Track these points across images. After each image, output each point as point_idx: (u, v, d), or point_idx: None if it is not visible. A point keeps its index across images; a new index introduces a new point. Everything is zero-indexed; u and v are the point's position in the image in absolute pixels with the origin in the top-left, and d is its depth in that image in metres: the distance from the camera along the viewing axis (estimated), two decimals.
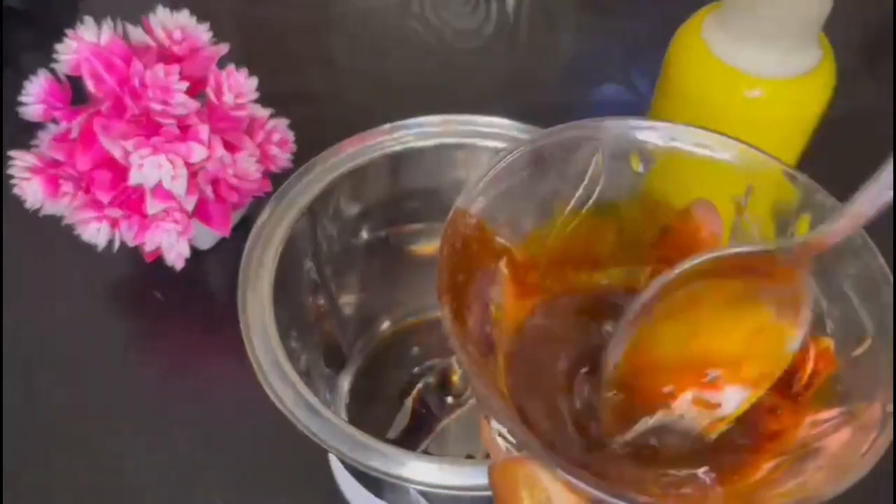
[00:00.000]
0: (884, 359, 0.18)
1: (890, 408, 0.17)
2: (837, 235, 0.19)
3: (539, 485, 0.17)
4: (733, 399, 0.20)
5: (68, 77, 0.46)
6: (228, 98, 0.47)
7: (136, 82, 0.45)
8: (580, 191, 0.22)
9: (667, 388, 0.21)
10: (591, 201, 0.22)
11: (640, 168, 0.22)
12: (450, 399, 0.43)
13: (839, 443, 0.17)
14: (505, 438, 0.19)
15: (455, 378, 0.43)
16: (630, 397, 0.21)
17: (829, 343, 0.19)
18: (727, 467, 0.19)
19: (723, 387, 0.20)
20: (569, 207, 0.22)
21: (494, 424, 0.19)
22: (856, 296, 0.19)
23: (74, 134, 0.46)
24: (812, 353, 0.20)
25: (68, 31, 0.45)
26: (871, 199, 0.18)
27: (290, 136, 0.51)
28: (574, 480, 0.16)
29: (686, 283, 0.20)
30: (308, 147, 0.45)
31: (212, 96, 0.47)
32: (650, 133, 0.21)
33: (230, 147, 0.47)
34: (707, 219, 0.22)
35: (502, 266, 0.21)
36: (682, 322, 0.20)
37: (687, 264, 0.20)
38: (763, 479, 0.18)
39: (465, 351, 0.18)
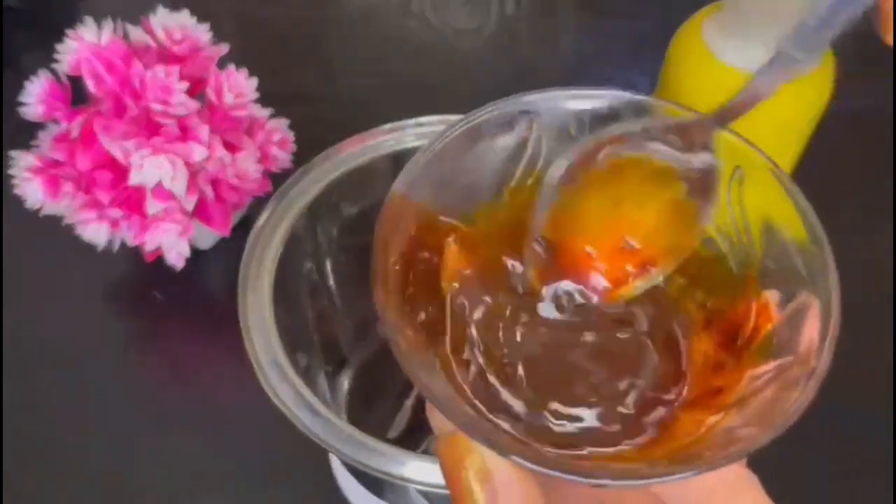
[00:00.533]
0: (813, 313, 0.18)
1: (814, 362, 0.17)
2: (744, 105, 0.20)
3: (480, 456, 0.18)
4: (644, 277, 0.21)
5: (69, 77, 0.46)
6: (228, 98, 0.47)
7: (136, 82, 0.45)
8: (523, 163, 0.22)
9: (588, 249, 0.22)
10: (534, 173, 0.22)
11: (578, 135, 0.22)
12: None
13: (768, 398, 0.18)
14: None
15: None
16: (554, 256, 0.22)
17: (768, 297, 0.20)
18: (667, 431, 0.20)
19: (637, 259, 0.21)
20: (514, 181, 0.22)
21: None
22: (794, 250, 0.20)
23: (75, 134, 0.46)
24: (754, 308, 0.20)
25: (68, 32, 0.45)
26: (772, 68, 0.20)
27: (290, 136, 0.51)
28: (515, 459, 0.17)
29: (607, 152, 0.21)
30: (308, 147, 0.45)
31: (212, 96, 0.47)
32: (584, 102, 0.21)
33: (230, 147, 0.47)
34: None
35: (451, 242, 0.22)
36: (604, 191, 0.21)
37: (604, 134, 0.20)
38: (699, 437, 0.19)
39: (402, 336, 0.18)
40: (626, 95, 0.21)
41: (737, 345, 0.20)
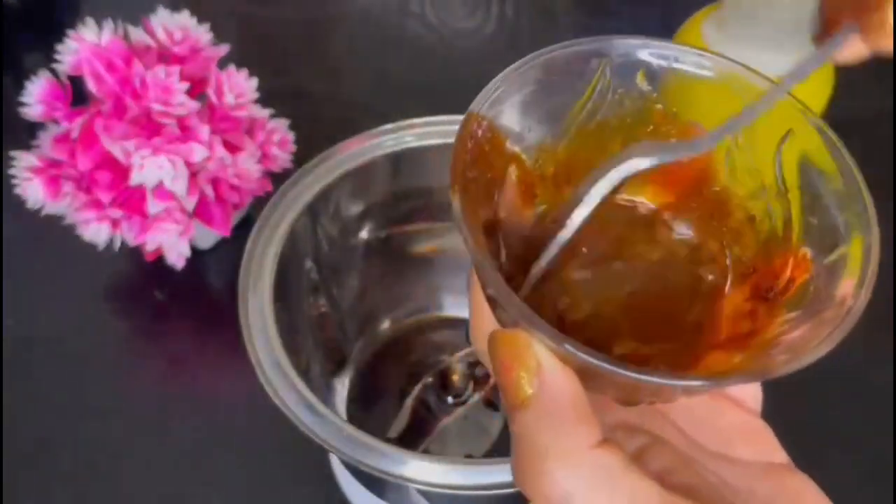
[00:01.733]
0: (849, 261, 0.20)
1: (850, 303, 0.19)
2: (758, 112, 0.21)
3: (534, 352, 0.18)
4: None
5: (69, 77, 0.46)
6: (229, 98, 0.47)
7: (136, 83, 0.45)
8: (589, 104, 0.23)
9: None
10: (599, 115, 0.23)
11: (645, 86, 0.23)
12: (450, 399, 0.43)
13: (799, 336, 0.19)
14: (501, 312, 0.20)
15: (455, 378, 0.43)
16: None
17: (806, 251, 0.21)
18: (698, 364, 0.21)
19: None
20: (578, 120, 0.23)
21: (492, 295, 0.20)
22: (834, 206, 0.21)
23: (75, 134, 0.46)
24: (791, 262, 0.21)
25: (69, 32, 0.45)
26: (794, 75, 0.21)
27: (291, 136, 0.51)
28: (567, 347, 0.17)
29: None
30: (308, 147, 0.45)
31: (212, 97, 0.47)
32: (655, 51, 0.22)
33: (231, 147, 0.47)
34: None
35: (511, 172, 0.22)
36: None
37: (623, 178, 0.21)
38: (731, 367, 0.20)
39: (473, 235, 0.19)
40: (692, 51, 0.22)
41: (771, 294, 0.21)
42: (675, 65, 0.22)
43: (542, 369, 0.18)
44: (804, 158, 0.21)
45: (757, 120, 0.21)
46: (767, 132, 0.22)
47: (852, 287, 0.19)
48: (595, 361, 0.17)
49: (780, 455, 0.22)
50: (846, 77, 0.40)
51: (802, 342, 0.19)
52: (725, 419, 0.23)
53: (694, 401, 0.23)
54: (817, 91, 0.42)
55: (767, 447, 0.22)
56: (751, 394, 0.24)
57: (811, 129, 0.21)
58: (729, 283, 0.23)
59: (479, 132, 0.21)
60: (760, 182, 0.22)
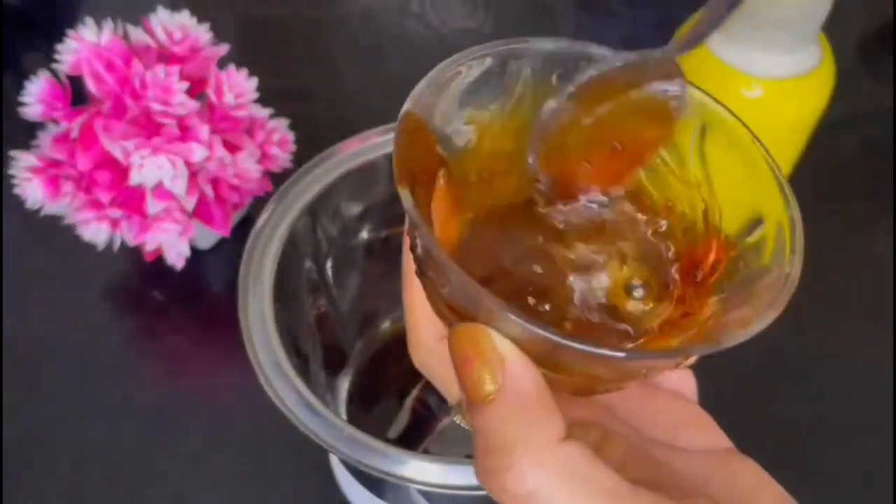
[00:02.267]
0: (779, 235, 0.20)
1: (788, 269, 0.19)
2: (701, 35, 0.22)
3: (492, 343, 0.18)
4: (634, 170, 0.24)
5: (69, 77, 0.46)
6: (229, 98, 0.47)
7: (136, 82, 0.45)
8: (509, 106, 0.24)
9: (586, 166, 0.24)
10: (518, 117, 0.24)
11: (563, 86, 0.23)
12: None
13: (743, 312, 0.20)
14: (452, 310, 0.20)
15: None
16: (555, 181, 0.24)
17: (727, 234, 0.22)
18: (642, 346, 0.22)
19: (626, 158, 0.24)
20: (500, 122, 0.24)
21: (445, 296, 0.20)
22: (753, 189, 0.22)
23: (75, 134, 0.46)
24: (714, 245, 0.22)
25: (69, 32, 0.45)
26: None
27: (290, 136, 0.51)
28: (530, 327, 0.17)
29: (583, 97, 0.23)
30: (308, 147, 0.45)
31: (212, 96, 0.47)
32: (567, 51, 0.23)
33: (230, 147, 0.47)
34: None
35: (440, 176, 0.23)
36: (586, 113, 0.23)
37: (573, 87, 0.23)
38: (675, 346, 0.21)
39: (428, 228, 0.19)
40: (606, 50, 0.23)
41: (697, 278, 0.22)
42: (586, 64, 0.23)
43: (506, 363, 0.18)
44: (715, 148, 0.23)
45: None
46: (682, 127, 0.23)
47: (785, 255, 0.20)
48: (568, 342, 0.17)
49: (724, 440, 0.23)
50: (846, 77, 0.40)
51: (745, 316, 0.19)
52: (668, 411, 0.23)
53: (638, 394, 0.23)
54: (817, 91, 0.42)
55: (712, 434, 0.23)
56: (688, 384, 0.24)
57: (721, 118, 0.22)
58: (658, 271, 0.23)
59: (415, 131, 0.21)
60: (679, 175, 0.23)
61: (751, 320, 0.19)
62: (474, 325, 0.18)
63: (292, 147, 0.51)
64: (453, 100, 0.23)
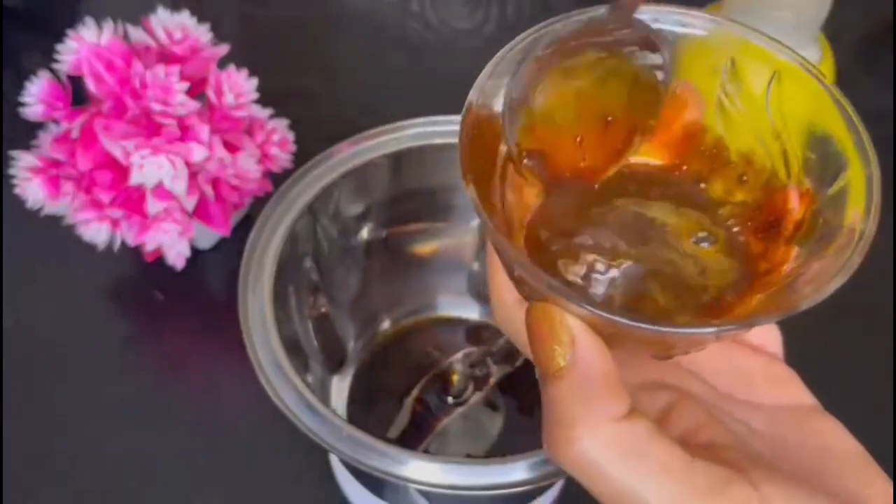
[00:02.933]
0: (855, 185, 0.21)
1: (861, 226, 0.19)
2: None
3: (564, 325, 0.19)
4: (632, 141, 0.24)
5: (69, 77, 0.46)
6: (229, 98, 0.47)
7: (136, 82, 0.45)
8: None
9: (577, 139, 0.24)
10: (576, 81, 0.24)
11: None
12: (450, 399, 0.43)
13: (817, 269, 0.20)
14: (525, 285, 0.21)
15: (455, 378, 0.43)
16: (545, 159, 0.24)
17: (808, 185, 0.22)
18: (721, 310, 0.22)
19: (619, 133, 0.24)
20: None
21: (518, 273, 0.21)
22: (830, 140, 0.22)
23: (75, 134, 0.46)
24: (794, 197, 0.22)
25: (69, 32, 0.45)
26: None
27: (290, 136, 0.51)
28: (598, 312, 0.18)
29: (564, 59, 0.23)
30: (308, 147, 0.45)
31: (212, 97, 0.47)
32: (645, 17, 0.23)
33: (230, 147, 0.47)
34: (690, 98, 0.24)
35: (504, 162, 0.23)
36: (570, 91, 0.24)
37: (541, 49, 0.23)
38: (753, 307, 0.21)
39: (492, 220, 0.20)
40: (672, 10, 0.23)
41: (781, 232, 0.22)
42: (656, 25, 0.23)
43: (576, 343, 0.19)
44: (795, 98, 0.23)
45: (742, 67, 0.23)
46: (754, 77, 0.23)
47: (860, 213, 0.20)
48: (631, 323, 0.18)
49: (807, 397, 0.23)
50: (846, 77, 0.40)
51: (820, 275, 0.19)
52: (748, 366, 0.23)
53: (717, 350, 0.23)
54: None
55: (793, 391, 0.23)
56: (771, 338, 0.24)
57: (796, 69, 0.22)
58: (739, 228, 0.23)
59: (479, 123, 0.22)
60: (754, 126, 0.23)
61: (821, 284, 0.19)
62: (548, 305, 0.19)
63: (292, 147, 0.51)
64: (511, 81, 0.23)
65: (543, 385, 0.20)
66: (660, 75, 0.23)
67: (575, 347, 0.19)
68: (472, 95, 0.22)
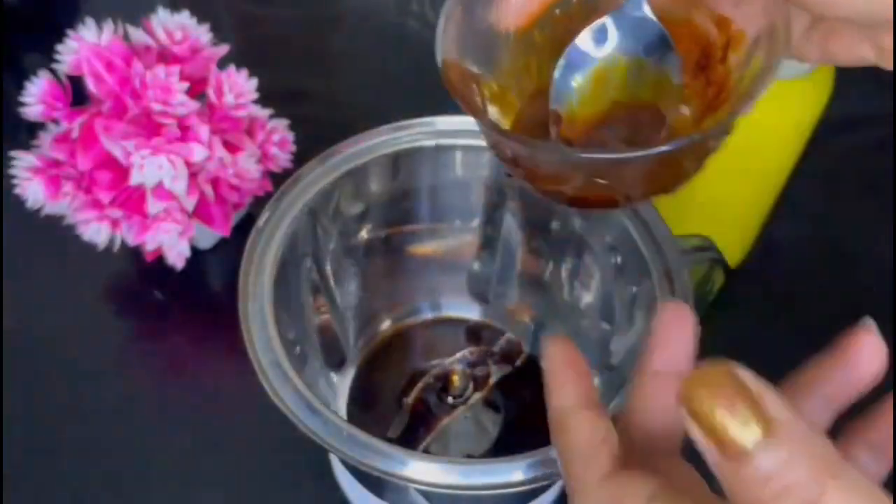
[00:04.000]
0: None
1: (777, 20, 0.23)
2: None
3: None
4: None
5: (69, 77, 0.46)
6: (229, 98, 0.47)
7: (136, 83, 0.45)
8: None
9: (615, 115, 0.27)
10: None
11: None
12: (450, 399, 0.42)
13: (756, 65, 0.23)
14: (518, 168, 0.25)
15: (455, 378, 0.43)
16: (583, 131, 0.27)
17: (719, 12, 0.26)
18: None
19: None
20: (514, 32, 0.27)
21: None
22: None
23: (75, 134, 0.46)
24: (713, 29, 0.26)
25: (69, 32, 0.45)
26: None
27: (290, 136, 0.51)
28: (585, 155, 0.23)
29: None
30: (308, 147, 0.45)
31: (212, 97, 0.47)
32: None
33: (230, 147, 0.47)
34: None
35: (484, 91, 0.27)
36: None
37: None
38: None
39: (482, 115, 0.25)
40: None
41: (712, 61, 0.26)
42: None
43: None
44: None
45: None
46: None
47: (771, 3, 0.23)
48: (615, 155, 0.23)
49: None
50: (846, 77, 0.40)
51: (766, 61, 0.24)
52: None
53: None
54: (817, 92, 0.42)
55: None
56: None
57: None
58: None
59: (455, 75, 0.26)
60: None
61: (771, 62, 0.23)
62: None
63: (292, 147, 0.51)
64: (468, 27, 0.26)
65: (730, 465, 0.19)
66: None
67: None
68: (439, 57, 0.26)
